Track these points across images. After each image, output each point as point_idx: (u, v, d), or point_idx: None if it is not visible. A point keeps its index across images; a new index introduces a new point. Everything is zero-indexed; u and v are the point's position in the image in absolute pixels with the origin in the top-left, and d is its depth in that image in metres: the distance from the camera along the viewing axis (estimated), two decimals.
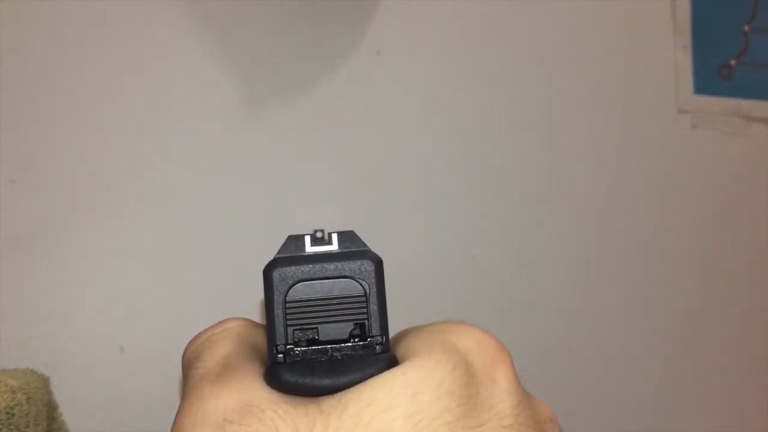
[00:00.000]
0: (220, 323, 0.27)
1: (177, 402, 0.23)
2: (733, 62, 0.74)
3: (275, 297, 0.23)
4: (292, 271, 0.23)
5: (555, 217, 0.67)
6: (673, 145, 0.72)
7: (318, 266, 0.23)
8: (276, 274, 0.23)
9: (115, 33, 0.55)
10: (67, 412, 0.47)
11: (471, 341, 0.23)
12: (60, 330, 0.52)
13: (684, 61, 0.72)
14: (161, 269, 0.54)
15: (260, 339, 0.25)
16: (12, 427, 0.36)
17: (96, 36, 0.54)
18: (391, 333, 0.24)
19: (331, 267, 0.23)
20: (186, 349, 0.26)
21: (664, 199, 0.71)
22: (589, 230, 0.68)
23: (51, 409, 0.45)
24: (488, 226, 0.64)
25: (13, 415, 0.36)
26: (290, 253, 0.24)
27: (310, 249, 0.24)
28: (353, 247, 0.24)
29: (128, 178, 0.54)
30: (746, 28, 0.74)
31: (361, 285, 0.23)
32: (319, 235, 0.24)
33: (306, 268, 0.23)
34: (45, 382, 0.45)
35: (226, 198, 0.57)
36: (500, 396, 0.22)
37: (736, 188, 0.74)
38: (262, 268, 0.23)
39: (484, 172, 0.65)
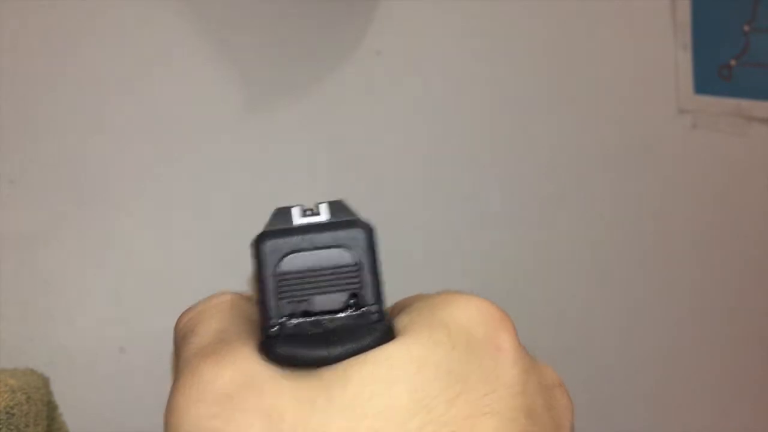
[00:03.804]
0: (213, 296, 0.27)
1: None
2: (733, 62, 0.74)
3: (266, 270, 0.22)
4: (281, 242, 0.22)
5: (554, 217, 0.67)
6: (673, 145, 0.72)
7: (308, 237, 0.22)
8: (265, 246, 0.22)
9: (115, 33, 0.55)
10: (67, 412, 0.47)
11: (473, 310, 0.23)
12: (60, 330, 0.52)
13: (684, 60, 0.72)
14: (161, 269, 0.54)
15: (254, 312, 0.25)
16: (12, 427, 0.36)
17: (96, 36, 0.54)
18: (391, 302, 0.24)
19: (321, 237, 0.23)
20: (178, 322, 0.26)
21: (664, 199, 0.71)
22: (589, 230, 0.68)
23: (51, 409, 0.45)
24: (487, 226, 0.64)
25: (13, 415, 0.36)
26: (279, 225, 0.23)
27: (299, 220, 0.24)
28: (343, 217, 0.23)
29: (128, 178, 0.54)
30: (746, 28, 0.74)
31: (352, 254, 0.23)
32: (307, 211, 0.24)
33: (296, 240, 0.22)
34: (45, 382, 0.45)
35: (226, 198, 0.57)
36: (506, 364, 0.22)
37: (736, 188, 0.74)
38: None
39: (483, 172, 0.65)
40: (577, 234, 0.67)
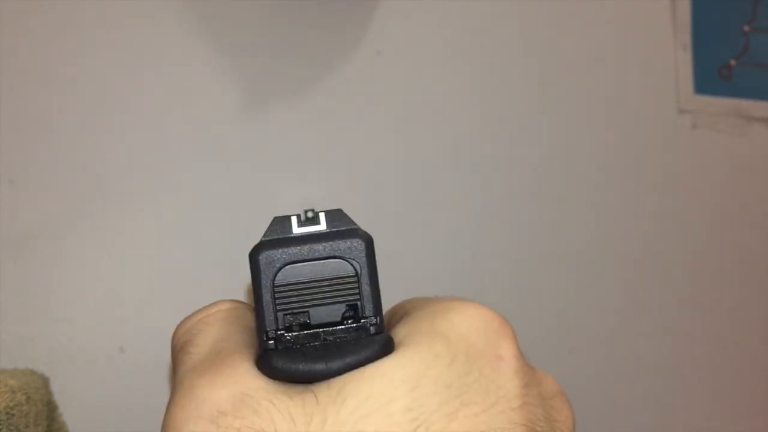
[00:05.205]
0: (212, 305, 0.26)
1: None
2: (733, 62, 0.74)
3: (263, 281, 0.22)
4: (279, 253, 0.22)
5: (555, 218, 0.67)
6: (673, 145, 0.72)
7: (306, 247, 0.22)
8: (263, 257, 0.22)
9: (115, 33, 0.55)
10: (67, 412, 0.47)
11: (473, 318, 0.23)
12: (60, 330, 0.52)
13: (684, 61, 0.72)
14: (161, 269, 0.54)
15: (253, 321, 0.25)
16: (12, 428, 0.36)
17: (96, 36, 0.54)
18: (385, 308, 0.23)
19: (319, 247, 0.22)
20: (176, 331, 0.25)
21: (664, 199, 0.71)
22: (589, 230, 0.68)
23: (51, 409, 0.45)
24: (488, 226, 0.64)
25: (13, 415, 0.36)
26: (277, 235, 0.23)
27: (297, 230, 0.23)
28: (342, 226, 0.23)
29: (128, 178, 0.54)
30: (746, 28, 0.74)
31: (351, 265, 0.22)
32: (306, 216, 0.23)
33: (294, 250, 0.22)
34: (45, 382, 0.45)
35: (226, 198, 0.57)
36: (507, 375, 0.22)
37: (736, 188, 0.74)
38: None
39: (483, 172, 0.65)
40: (577, 234, 0.67)
